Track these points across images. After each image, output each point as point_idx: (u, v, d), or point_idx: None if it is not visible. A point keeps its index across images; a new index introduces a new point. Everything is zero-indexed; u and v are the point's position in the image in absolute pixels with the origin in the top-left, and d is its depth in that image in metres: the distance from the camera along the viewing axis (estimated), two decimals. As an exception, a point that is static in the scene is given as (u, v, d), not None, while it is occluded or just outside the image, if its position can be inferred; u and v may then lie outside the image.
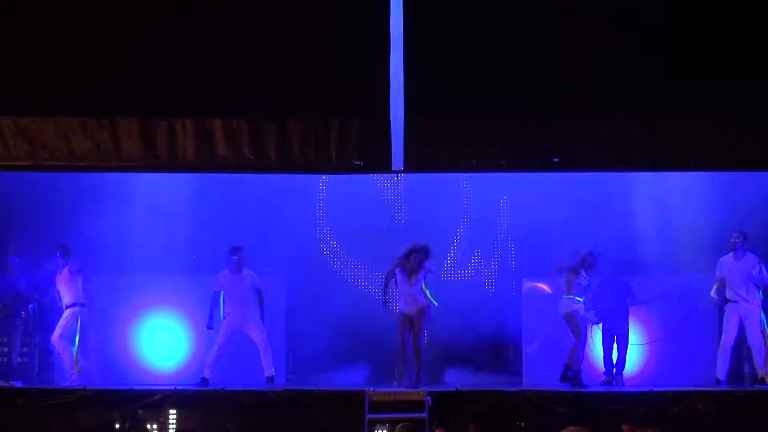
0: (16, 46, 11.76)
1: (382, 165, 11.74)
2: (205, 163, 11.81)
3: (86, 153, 11.71)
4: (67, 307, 13.75)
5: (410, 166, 11.75)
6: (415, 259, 13.44)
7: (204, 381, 13.34)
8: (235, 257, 13.68)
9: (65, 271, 13.83)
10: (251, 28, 11.78)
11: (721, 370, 13.27)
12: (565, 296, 13.24)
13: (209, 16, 11.85)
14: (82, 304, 13.74)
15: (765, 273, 13.25)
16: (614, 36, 11.70)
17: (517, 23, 11.74)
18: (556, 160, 11.71)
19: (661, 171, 12.96)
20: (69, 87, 11.68)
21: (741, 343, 13.63)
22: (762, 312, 13.24)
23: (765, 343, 13.15)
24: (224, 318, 13.66)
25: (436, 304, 13.55)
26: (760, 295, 13.29)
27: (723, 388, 13.01)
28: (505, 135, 11.71)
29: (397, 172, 11.92)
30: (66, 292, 13.79)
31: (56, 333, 13.70)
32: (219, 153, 11.70)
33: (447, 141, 11.72)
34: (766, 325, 13.22)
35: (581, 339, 13.11)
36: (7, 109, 11.71)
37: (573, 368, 13.02)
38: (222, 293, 13.72)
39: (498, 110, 11.68)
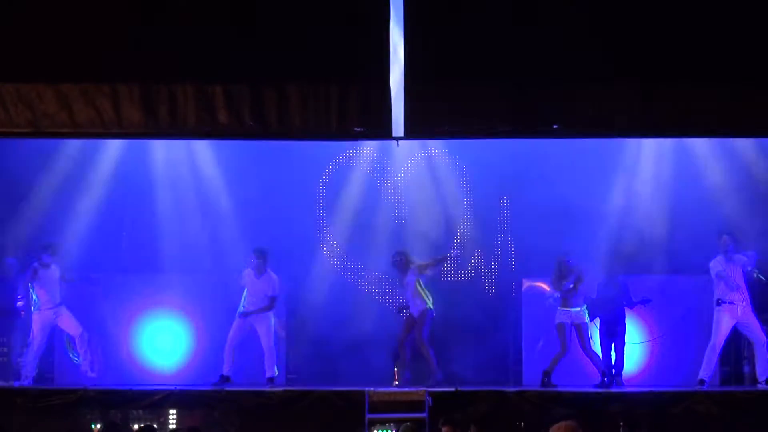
0: (17, 13, 11.63)
1: (383, 132, 11.64)
2: (206, 129, 11.73)
3: (87, 120, 11.60)
4: (58, 306, 13.53)
5: (410, 133, 11.68)
6: (399, 263, 13.69)
7: (224, 378, 13.29)
8: (255, 261, 13.61)
9: (54, 271, 13.56)
10: None
11: (706, 371, 12.99)
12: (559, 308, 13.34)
13: None
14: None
15: (748, 258, 13.10)
16: (615, 1, 11.64)
17: None
18: (555, 126, 11.65)
19: (660, 137, 12.99)
20: (70, 54, 11.56)
21: (740, 343, 13.64)
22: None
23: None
24: (241, 313, 13.63)
25: (432, 306, 13.60)
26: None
27: (722, 388, 13.01)
28: (505, 101, 11.62)
29: (398, 138, 11.82)
30: (48, 293, 13.50)
31: (77, 329, 13.59)
32: (220, 119, 11.58)
33: (447, 107, 11.61)
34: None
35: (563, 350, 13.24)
36: (8, 75, 11.59)
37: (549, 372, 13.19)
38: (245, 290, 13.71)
39: (498, 76, 11.58)
